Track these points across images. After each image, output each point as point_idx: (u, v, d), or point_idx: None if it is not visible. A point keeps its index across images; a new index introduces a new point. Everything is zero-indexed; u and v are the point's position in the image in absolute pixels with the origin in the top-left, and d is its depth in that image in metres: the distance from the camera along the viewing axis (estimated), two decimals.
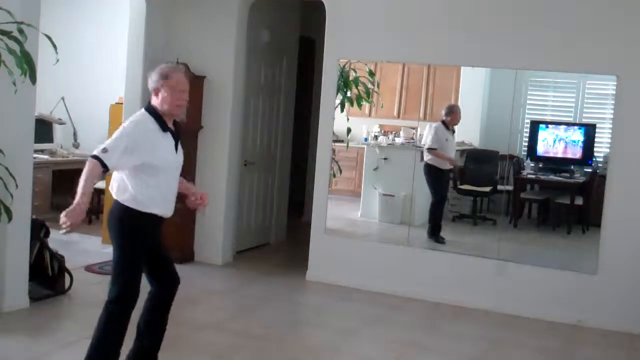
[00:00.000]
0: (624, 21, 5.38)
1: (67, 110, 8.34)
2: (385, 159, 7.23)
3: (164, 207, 3.65)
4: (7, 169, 4.53)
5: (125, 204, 3.59)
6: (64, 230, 3.47)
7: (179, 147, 3.72)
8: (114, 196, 3.66)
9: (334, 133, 6.52)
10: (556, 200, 6.91)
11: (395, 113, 7.47)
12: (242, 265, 6.82)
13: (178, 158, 3.71)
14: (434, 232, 6.56)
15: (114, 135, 3.60)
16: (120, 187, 3.64)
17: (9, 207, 4.51)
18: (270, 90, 7.47)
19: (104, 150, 3.49)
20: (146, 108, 3.69)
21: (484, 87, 6.93)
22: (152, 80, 3.65)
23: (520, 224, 6.93)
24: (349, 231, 7.11)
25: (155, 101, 3.64)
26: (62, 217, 3.39)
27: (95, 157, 3.47)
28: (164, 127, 3.61)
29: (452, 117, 6.55)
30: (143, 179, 3.55)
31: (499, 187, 6.85)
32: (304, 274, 6.39)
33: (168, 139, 3.63)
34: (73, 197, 3.47)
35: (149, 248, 3.71)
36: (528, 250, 6.55)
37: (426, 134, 6.65)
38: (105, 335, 3.60)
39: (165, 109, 3.60)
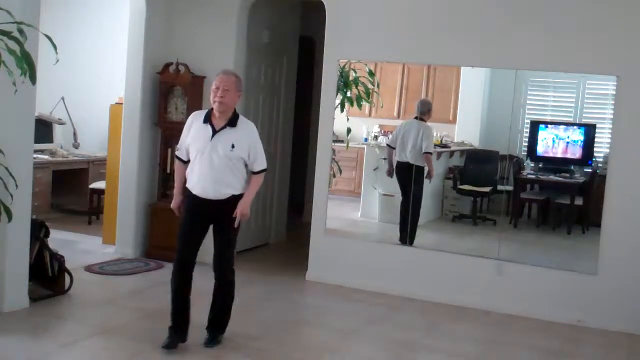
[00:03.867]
0: (624, 21, 5.38)
1: (67, 111, 8.34)
2: (385, 159, 7.23)
3: (198, 187, 4.31)
4: (7, 169, 4.53)
5: None
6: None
7: (224, 141, 4.28)
8: None
9: (334, 133, 6.52)
10: (556, 201, 6.91)
11: (395, 113, 7.47)
12: (242, 265, 6.80)
13: (212, 148, 4.27)
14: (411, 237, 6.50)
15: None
16: None
17: (9, 207, 4.51)
18: (270, 90, 7.47)
19: (177, 149, 4.63)
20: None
21: (484, 87, 6.93)
22: None
23: (520, 224, 6.93)
24: (349, 231, 7.11)
25: None
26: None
27: (174, 155, 4.76)
28: (205, 119, 4.34)
29: (430, 113, 6.50)
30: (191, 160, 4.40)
31: (499, 187, 6.85)
32: (304, 274, 6.39)
33: (206, 129, 4.30)
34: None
35: (191, 225, 4.42)
36: (528, 250, 6.55)
37: (428, 136, 6.58)
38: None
39: (211, 106, 4.35)
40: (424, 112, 6.49)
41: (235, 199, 4.35)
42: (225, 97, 4.27)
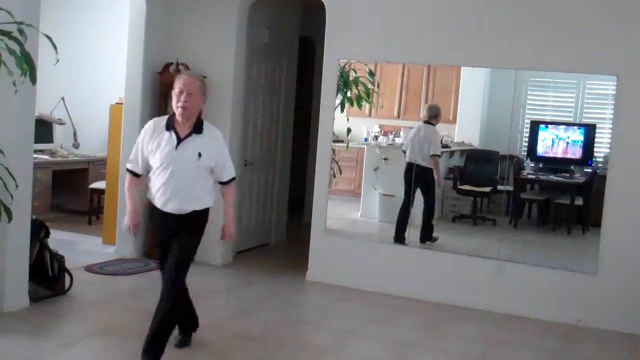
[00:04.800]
0: (624, 21, 5.38)
1: (67, 111, 8.34)
2: (385, 159, 7.23)
3: (163, 201, 4.01)
4: (7, 169, 4.53)
5: None
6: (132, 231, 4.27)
7: (190, 149, 3.97)
8: None
9: (334, 133, 6.52)
10: (556, 201, 6.91)
11: (395, 113, 7.47)
12: (242, 265, 6.82)
13: (178, 157, 3.95)
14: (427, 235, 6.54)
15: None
16: None
17: (9, 207, 4.51)
18: (270, 90, 7.47)
19: (130, 161, 4.15)
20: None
21: (484, 87, 6.93)
22: None
23: (520, 224, 6.93)
24: (349, 231, 7.11)
25: None
26: (125, 221, 4.25)
27: (126, 168, 4.20)
28: (167, 126, 3.99)
29: (439, 118, 6.53)
30: (151, 172, 4.06)
31: (499, 187, 6.85)
32: (304, 274, 6.39)
33: (170, 138, 3.97)
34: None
35: (161, 239, 4.20)
36: (528, 250, 6.55)
37: (435, 139, 6.58)
38: None
39: (173, 111, 3.99)
40: (432, 116, 6.52)
41: (203, 211, 4.10)
42: (189, 102, 3.91)
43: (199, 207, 4.06)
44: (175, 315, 4.08)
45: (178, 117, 3.96)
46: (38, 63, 4.51)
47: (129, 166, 4.11)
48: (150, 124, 4.07)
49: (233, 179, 4.22)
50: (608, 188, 5.49)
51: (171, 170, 3.94)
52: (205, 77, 6.51)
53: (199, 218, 4.09)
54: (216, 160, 4.07)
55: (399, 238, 6.42)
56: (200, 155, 3.97)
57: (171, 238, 4.07)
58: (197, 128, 4.02)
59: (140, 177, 4.10)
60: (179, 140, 3.95)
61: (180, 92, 3.91)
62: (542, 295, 5.64)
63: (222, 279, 6.40)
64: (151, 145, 3.98)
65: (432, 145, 6.54)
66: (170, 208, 4.01)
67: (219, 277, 6.42)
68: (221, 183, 4.18)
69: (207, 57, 6.59)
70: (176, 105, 3.91)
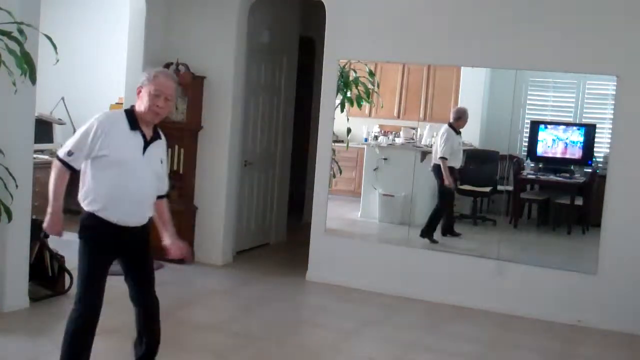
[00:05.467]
0: (624, 21, 5.38)
1: (67, 111, 8.34)
2: (385, 159, 7.23)
3: (118, 212, 3.40)
4: (7, 169, 4.53)
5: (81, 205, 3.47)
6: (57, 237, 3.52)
7: (155, 155, 3.53)
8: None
9: (334, 133, 6.52)
10: (556, 201, 6.91)
11: (395, 113, 7.46)
12: (242, 265, 6.82)
13: (146, 162, 3.47)
14: (428, 233, 6.56)
15: (77, 132, 3.45)
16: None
17: (9, 207, 4.51)
18: (270, 90, 7.47)
19: (69, 154, 3.39)
20: (126, 109, 3.55)
21: (484, 87, 6.93)
22: (140, 79, 3.50)
23: (520, 224, 6.93)
24: (349, 231, 7.11)
25: (136, 101, 3.49)
26: (45, 228, 3.45)
27: (61, 160, 3.42)
28: (132, 125, 3.44)
29: (461, 121, 6.55)
30: (96, 175, 3.40)
31: (499, 187, 6.85)
32: (304, 274, 6.39)
33: (135, 139, 3.44)
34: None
35: (106, 261, 3.50)
36: (528, 250, 6.55)
37: (438, 140, 6.60)
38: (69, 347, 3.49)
39: (141, 110, 3.45)
40: (455, 119, 6.56)
41: (149, 223, 3.59)
42: (164, 109, 3.46)
43: (148, 219, 3.57)
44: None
45: (146, 119, 3.45)
46: (38, 63, 4.52)
47: (67, 158, 3.38)
48: (105, 117, 3.43)
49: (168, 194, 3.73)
50: (608, 188, 5.49)
51: (137, 176, 3.43)
52: (205, 77, 6.58)
53: (148, 231, 3.59)
54: (163, 169, 3.65)
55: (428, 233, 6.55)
56: (162, 161, 3.59)
57: (116, 257, 3.55)
58: (157, 133, 3.58)
59: (76, 172, 3.44)
60: (146, 143, 3.47)
61: (157, 96, 3.41)
62: (542, 295, 5.64)
63: (222, 279, 6.40)
64: (107, 142, 3.36)
65: (440, 147, 6.60)
66: (128, 220, 3.44)
67: (219, 277, 6.42)
68: (160, 196, 3.64)
69: (207, 57, 6.59)
70: (148, 107, 3.41)
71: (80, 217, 3.46)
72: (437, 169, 6.62)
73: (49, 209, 3.44)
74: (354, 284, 6.15)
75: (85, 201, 3.43)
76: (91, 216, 3.41)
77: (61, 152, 3.41)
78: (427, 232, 6.53)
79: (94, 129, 3.36)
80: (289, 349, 4.68)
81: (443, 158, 6.54)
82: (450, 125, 6.56)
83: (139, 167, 3.43)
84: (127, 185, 3.39)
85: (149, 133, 3.49)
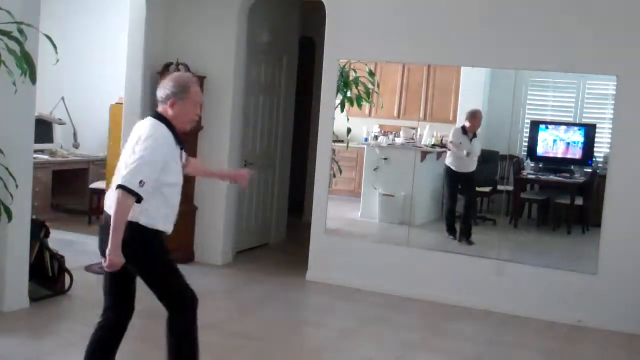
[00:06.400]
0: (624, 21, 5.38)
1: (67, 110, 8.34)
2: (385, 159, 7.23)
3: (169, 222, 3.42)
4: (7, 169, 4.53)
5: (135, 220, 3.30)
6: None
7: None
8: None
9: (334, 133, 6.52)
10: (556, 200, 6.91)
11: (395, 113, 7.47)
12: (242, 265, 6.82)
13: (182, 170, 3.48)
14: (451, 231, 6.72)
15: (139, 159, 3.19)
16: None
17: (9, 207, 4.51)
18: (270, 90, 7.47)
19: (141, 184, 3.16)
20: (161, 119, 3.34)
21: (484, 87, 6.93)
22: (167, 89, 3.33)
23: (520, 224, 6.93)
24: (349, 231, 7.11)
25: (168, 112, 3.34)
26: (106, 263, 3.26)
27: (130, 191, 3.15)
28: (177, 140, 3.35)
29: (472, 122, 6.56)
30: (156, 195, 3.28)
31: (499, 187, 6.85)
32: (304, 274, 6.39)
33: (177, 151, 3.38)
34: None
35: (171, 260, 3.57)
36: (528, 250, 6.55)
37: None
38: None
39: (181, 121, 3.34)
40: (466, 119, 6.62)
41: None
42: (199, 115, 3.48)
43: None
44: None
45: (185, 128, 3.39)
46: (38, 63, 4.52)
47: (139, 189, 3.14)
48: (162, 136, 3.27)
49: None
50: (608, 188, 5.49)
51: (180, 186, 3.44)
52: (205, 77, 6.58)
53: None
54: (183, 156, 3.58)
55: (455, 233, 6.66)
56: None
57: None
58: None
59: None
60: (181, 150, 3.45)
61: (195, 106, 3.38)
62: (542, 295, 5.64)
63: (222, 279, 6.40)
64: (169, 163, 3.30)
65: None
66: (171, 228, 3.47)
67: (219, 277, 6.42)
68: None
69: (207, 57, 6.59)
70: (190, 118, 3.37)
71: (136, 233, 3.28)
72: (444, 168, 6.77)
73: (116, 243, 3.17)
74: (354, 284, 6.15)
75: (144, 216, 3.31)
76: (143, 230, 3.30)
77: (131, 183, 3.14)
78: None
79: (159, 151, 3.22)
80: (289, 349, 4.68)
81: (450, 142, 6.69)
82: (462, 126, 6.59)
83: (181, 177, 3.43)
84: (177, 198, 3.42)
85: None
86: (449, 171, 6.76)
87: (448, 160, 6.75)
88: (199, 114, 3.45)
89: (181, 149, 3.42)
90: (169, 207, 3.38)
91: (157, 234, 3.37)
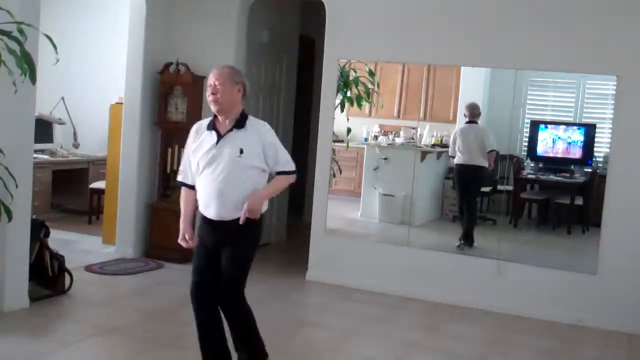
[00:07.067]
0: (624, 21, 5.38)
1: (67, 110, 8.34)
2: (385, 159, 7.23)
3: (204, 206, 3.72)
4: (7, 169, 4.53)
5: None
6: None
7: (231, 144, 3.65)
8: None
9: (334, 133, 6.52)
10: (556, 200, 6.91)
11: (395, 113, 7.47)
12: None
13: (219, 154, 3.65)
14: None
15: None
16: None
17: (9, 207, 4.51)
18: (270, 90, 7.47)
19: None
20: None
21: (484, 87, 6.93)
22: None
23: (520, 224, 6.93)
24: (349, 231, 7.11)
25: None
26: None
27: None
28: (209, 126, 3.76)
29: (466, 112, 6.62)
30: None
31: (499, 187, 6.85)
32: (304, 274, 6.39)
33: (210, 137, 3.71)
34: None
35: (204, 251, 3.80)
36: (528, 250, 6.55)
37: (489, 135, 6.75)
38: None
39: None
40: (476, 114, 6.59)
41: (249, 220, 3.63)
42: (219, 94, 3.66)
43: (233, 215, 3.64)
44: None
45: (215, 113, 3.72)
46: (38, 63, 4.52)
47: (179, 178, 3.85)
48: (193, 127, 3.84)
49: (290, 172, 3.77)
50: (608, 188, 5.49)
51: (212, 169, 3.62)
52: (205, 77, 6.56)
53: (246, 229, 3.66)
54: (264, 155, 3.68)
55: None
56: (242, 151, 3.61)
57: (213, 251, 3.74)
58: (239, 123, 3.69)
59: (193, 189, 3.76)
60: (219, 137, 3.66)
61: (210, 85, 3.74)
62: (542, 295, 5.64)
63: None
64: (194, 150, 3.73)
65: (487, 142, 6.64)
66: (211, 213, 3.67)
67: None
68: (279, 172, 3.77)
69: (207, 57, 6.58)
70: (209, 100, 3.73)
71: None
72: (464, 168, 6.75)
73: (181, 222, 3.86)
74: (354, 284, 6.15)
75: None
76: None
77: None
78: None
79: (188, 142, 3.83)
80: (289, 349, 4.67)
81: (493, 150, 6.67)
82: (474, 121, 6.61)
83: (212, 161, 3.64)
84: (206, 180, 3.67)
85: (224, 128, 3.70)
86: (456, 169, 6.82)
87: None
88: (212, 93, 3.73)
89: (218, 134, 3.70)
90: (200, 191, 3.76)
91: (201, 217, 3.78)
